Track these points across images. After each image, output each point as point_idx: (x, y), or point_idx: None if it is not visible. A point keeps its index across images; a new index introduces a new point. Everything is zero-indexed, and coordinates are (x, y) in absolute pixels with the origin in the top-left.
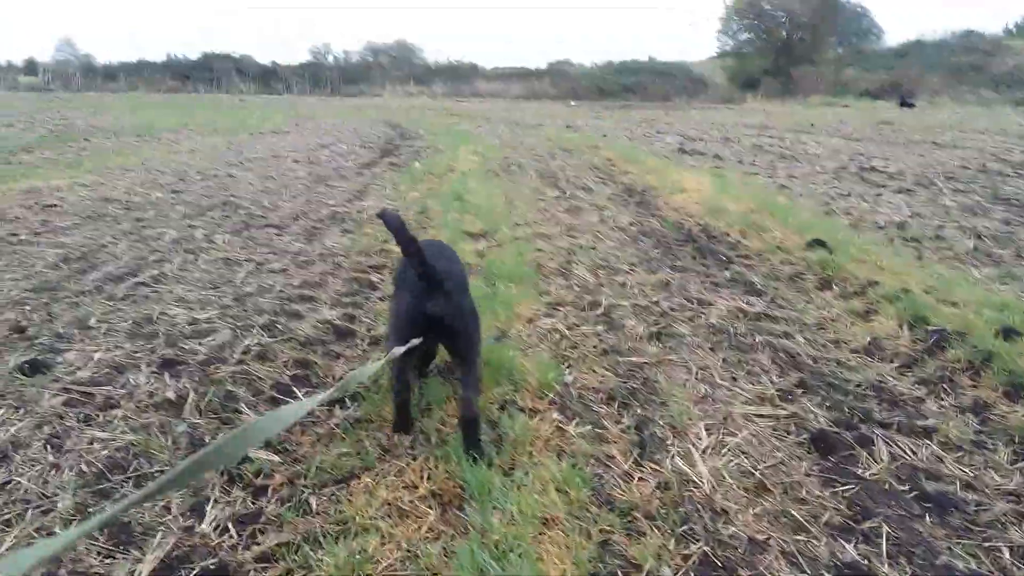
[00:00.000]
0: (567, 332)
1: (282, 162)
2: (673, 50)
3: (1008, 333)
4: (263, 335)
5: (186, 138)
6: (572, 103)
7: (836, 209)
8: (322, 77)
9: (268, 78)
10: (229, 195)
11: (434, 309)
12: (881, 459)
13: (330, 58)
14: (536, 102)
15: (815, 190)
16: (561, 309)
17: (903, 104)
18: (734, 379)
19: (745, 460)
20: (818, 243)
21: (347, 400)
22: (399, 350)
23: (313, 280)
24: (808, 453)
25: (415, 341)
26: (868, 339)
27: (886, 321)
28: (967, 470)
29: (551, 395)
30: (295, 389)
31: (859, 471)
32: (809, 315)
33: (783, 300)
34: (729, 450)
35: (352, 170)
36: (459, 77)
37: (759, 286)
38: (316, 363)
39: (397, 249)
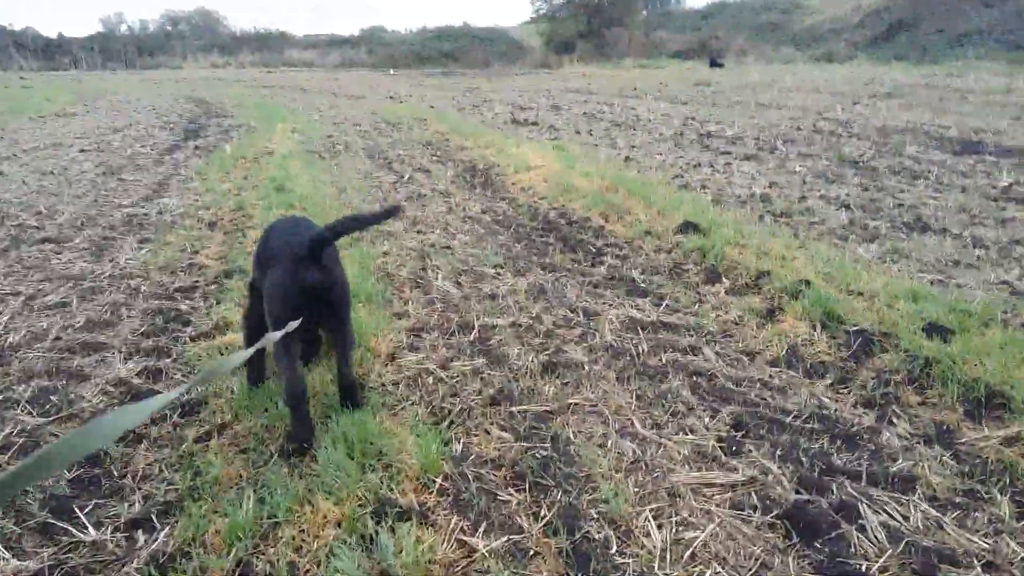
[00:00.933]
0: (441, 373)
1: (65, 152)
2: (487, 16)
3: (935, 331)
4: (30, 415)
5: None
6: (391, 71)
7: (691, 183)
8: (115, 50)
9: (53, 52)
10: None
11: (314, 280)
12: (877, 537)
13: (123, 28)
14: (354, 71)
15: (663, 161)
16: (426, 336)
17: (713, 64)
18: (658, 426)
19: (720, 569)
20: (691, 226)
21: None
22: (275, 335)
23: (102, 317)
24: (787, 539)
25: (294, 324)
26: (784, 348)
27: (796, 322)
28: (976, 538)
29: (439, 480)
30: (77, 510)
31: (858, 563)
32: (709, 319)
33: (673, 301)
34: (694, 556)
35: (151, 158)
36: (269, 46)
37: (641, 284)
38: (108, 456)
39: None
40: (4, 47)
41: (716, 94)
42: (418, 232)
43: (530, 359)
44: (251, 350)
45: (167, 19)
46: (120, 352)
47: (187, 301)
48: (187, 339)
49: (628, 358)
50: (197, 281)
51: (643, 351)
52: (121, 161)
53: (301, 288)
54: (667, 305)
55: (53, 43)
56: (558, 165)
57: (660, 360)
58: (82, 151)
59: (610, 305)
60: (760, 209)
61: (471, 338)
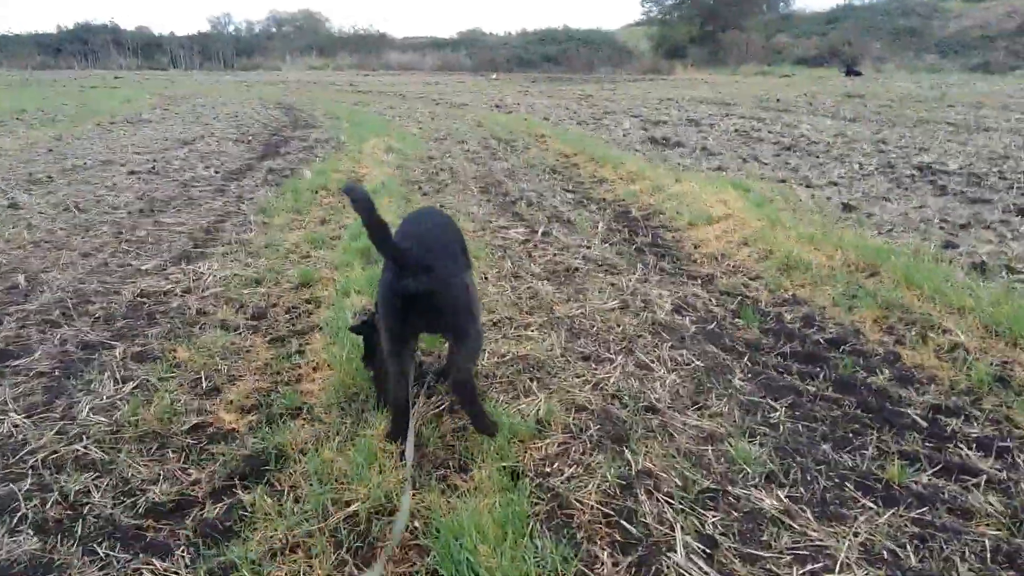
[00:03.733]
0: None
1: (112, 174)
2: (589, 18)
3: None
4: None
5: (8, 131)
6: (493, 76)
7: (988, 261)
8: (214, 50)
9: (152, 51)
10: None
11: (412, 286)
12: None
13: (231, 28)
14: (454, 75)
15: (904, 215)
16: None
17: (849, 72)
18: None
19: None
20: None
21: None
22: None
23: None
24: None
25: None
26: None
27: None
28: None
29: None
30: None
31: None
32: None
33: None
34: None
35: (212, 185)
36: (367, 48)
37: None
38: None
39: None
40: (104, 45)
41: (883, 108)
42: (585, 360)
43: None
44: None
45: (272, 20)
46: None
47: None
48: None
49: None
50: (194, 493)
51: None
52: (171, 191)
53: (399, 294)
54: None
55: (153, 42)
56: (750, 216)
57: None
58: (132, 173)
59: None
60: None
61: None
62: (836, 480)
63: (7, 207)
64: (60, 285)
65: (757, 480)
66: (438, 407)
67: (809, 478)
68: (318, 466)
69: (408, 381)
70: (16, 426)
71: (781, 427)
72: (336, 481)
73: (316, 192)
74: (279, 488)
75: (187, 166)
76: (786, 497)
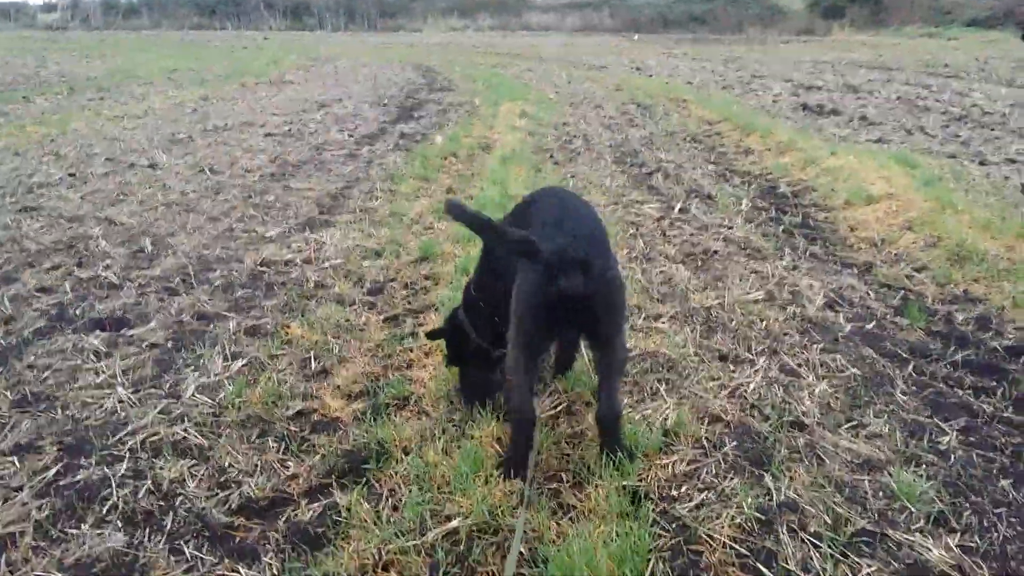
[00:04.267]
0: None
1: (250, 136)
2: None
3: None
4: None
5: (158, 91)
6: (635, 36)
7: None
8: (359, 11)
9: (300, 12)
10: (104, 216)
11: (570, 287)
12: None
13: None
14: (594, 36)
15: None
16: None
17: None
18: None
19: None
20: None
21: None
22: None
23: None
24: None
25: None
26: None
27: None
28: None
29: None
30: None
31: None
32: None
33: None
34: None
35: (344, 149)
36: (507, 9)
37: None
38: None
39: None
40: (256, 6)
41: None
42: (722, 361)
43: None
44: None
45: None
46: None
47: None
48: None
49: None
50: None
51: None
52: (305, 154)
53: (551, 297)
54: None
55: (302, 4)
56: (916, 196)
57: None
58: (268, 135)
59: None
60: None
61: None
62: (1020, 528)
63: (146, 167)
64: (184, 251)
65: (922, 523)
66: (555, 407)
67: (986, 523)
68: (420, 469)
69: (534, 394)
70: (121, 402)
71: (951, 455)
72: (437, 489)
73: (445, 159)
74: (377, 491)
75: (322, 129)
76: (957, 546)
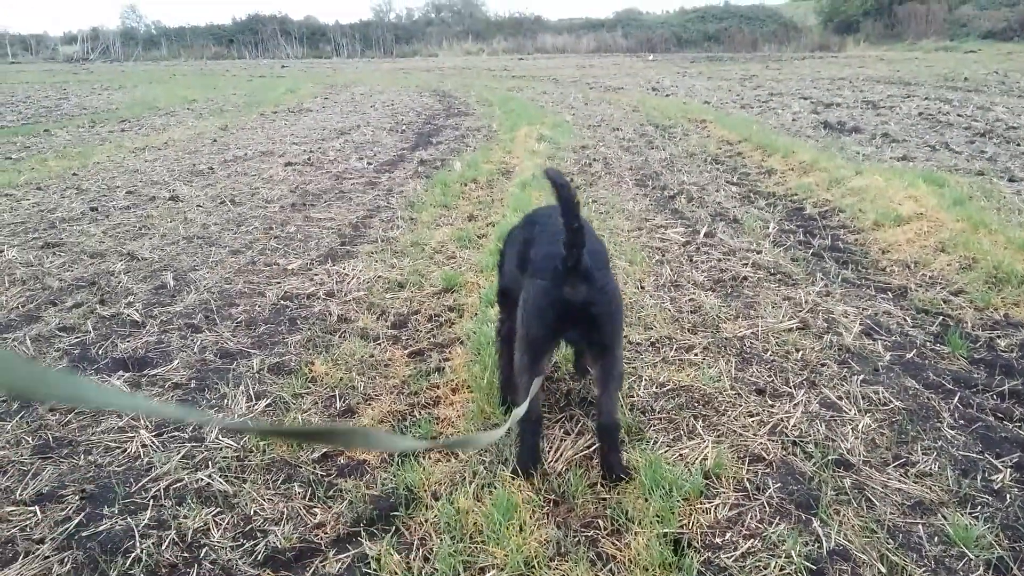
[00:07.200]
0: None
1: (270, 165)
2: None
3: None
4: None
5: (178, 122)
6: (650, 56)
7: None
8: (375, 38)
9: (316, 40)
10: (126, 251)
11: (573, 295)
12: None
13: (392, 15)
14: (609, 57)
15: None
16: None
17: None
18: None
19: None
20: None
21: None
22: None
23: None
24: None
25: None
26: None
27: None
28: None
29: None
30: None
31: None
32: None
33: None
34: None
35: (364, 176)
36: (522, 31)
37: None
38: None
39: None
40: (272, 35)
41: None
42: (759, 395)
43: None
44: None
45: (431, 5)
46: None
47: None
48: None
49: None
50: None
51: None
52: (324, 183)
53: (557, 303)
54: None
55: (317, 31)
56: (947, 215)
57: None
58: (288, 164)
59: None
60: None
61: None
62: None
63: (168, 199)
64: (207, 285)
65: (981, 570)
66: (589, 447)
67: None
68: (451, 516)
69: (538, 396)
70: (144, 446)
71: (1007, 495)
72: (470, 539)
73: (464, 185)
74: (407, 539)
75: (341, 157)
76: None
